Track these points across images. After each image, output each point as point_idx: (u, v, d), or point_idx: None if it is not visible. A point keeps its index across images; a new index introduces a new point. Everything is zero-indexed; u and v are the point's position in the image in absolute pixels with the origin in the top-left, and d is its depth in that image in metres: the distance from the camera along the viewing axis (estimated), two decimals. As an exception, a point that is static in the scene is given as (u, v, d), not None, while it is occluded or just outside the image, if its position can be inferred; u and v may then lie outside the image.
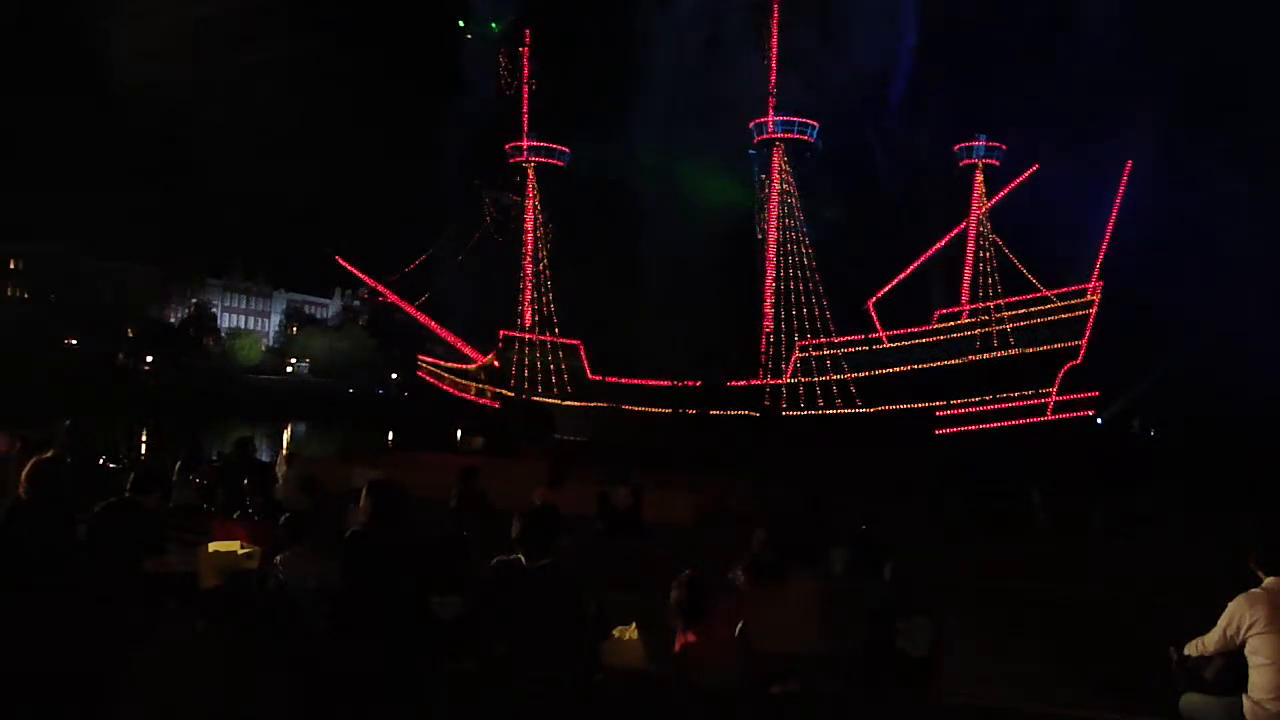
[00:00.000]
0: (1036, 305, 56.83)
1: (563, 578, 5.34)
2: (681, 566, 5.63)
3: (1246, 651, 5.17)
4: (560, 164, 68.52)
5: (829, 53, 59.21)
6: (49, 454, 6.63)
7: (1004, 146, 63.08)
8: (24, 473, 5.67)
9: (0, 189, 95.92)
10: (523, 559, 5.32)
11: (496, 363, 68.33)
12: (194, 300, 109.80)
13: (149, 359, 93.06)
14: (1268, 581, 5.24)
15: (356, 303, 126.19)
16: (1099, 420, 55.29)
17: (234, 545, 6.68)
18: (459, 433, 63.41)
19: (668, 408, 59.08)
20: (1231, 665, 5.28)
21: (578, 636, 5.34)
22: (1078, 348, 54.07)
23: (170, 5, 77.31)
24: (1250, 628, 5.13)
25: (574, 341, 65.59)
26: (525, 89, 67.56)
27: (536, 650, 5.14)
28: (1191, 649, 5.46)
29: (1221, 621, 5.28)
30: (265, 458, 20.02)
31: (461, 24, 67.29)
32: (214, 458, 14.91)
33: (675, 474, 21.41)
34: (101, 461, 14.06)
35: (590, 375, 63.68)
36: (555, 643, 5.19)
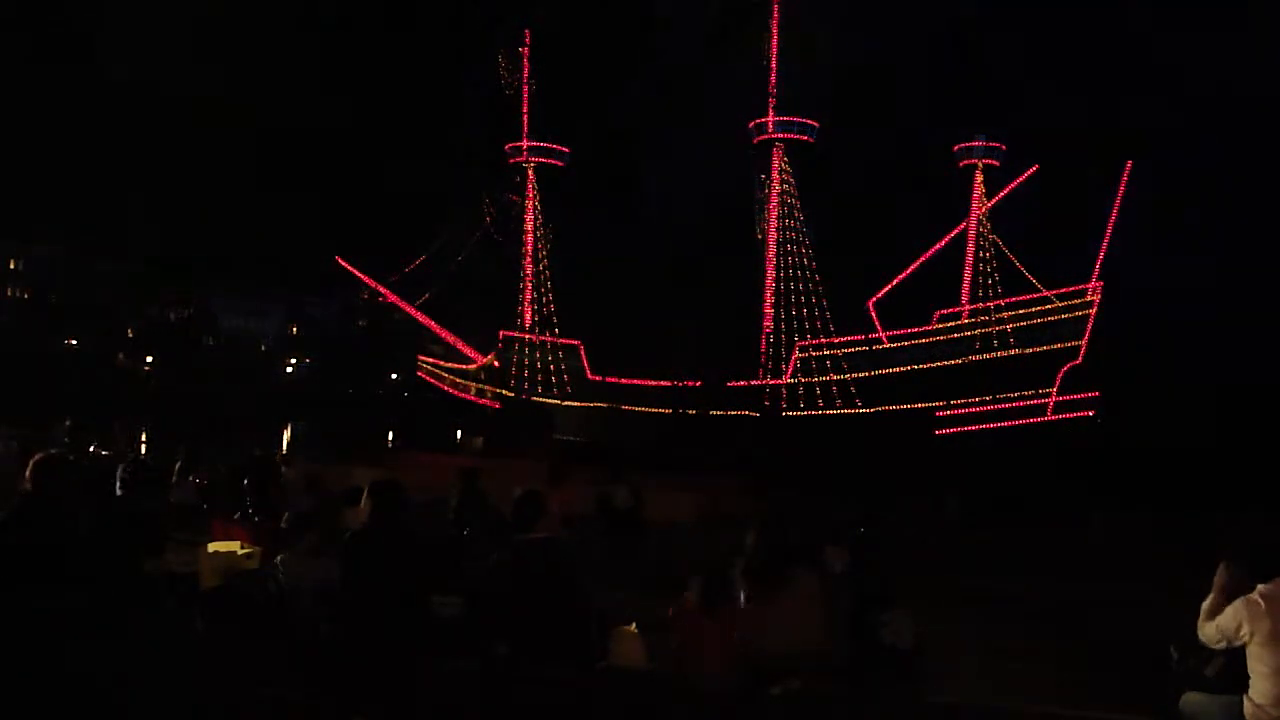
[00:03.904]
0: (1036, 305, 56.77)
1: (560, 551, 5.49)
2: (681, 567, 5.64)
3: (1248, 656, 5.17)
4: (560, 164, 68.47)
5: (830, 51, 59.21)
6: (53, 453, 6.63)
7: (1004, 147, 63.05)
8: (29, 470, 5.66)
9: (0, 189, 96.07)
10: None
11: (496, 363, 68.27)
12: (194, 300, 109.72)
13: (149, 359, 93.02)
14: (1262, 588, 5.23)
15: (357, 303, 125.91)
16: (1099, 421, 55.21)
17: (234, 545, 6.69)
18: (459, 433, 63.40)
19: (668, 408, 59.04)
20: (1232, 664, 5.28)
21: (578, 614, 5.40)
22: (1078, 348, 54.02)
23: (171, 4, 77.39)
24: (1253, 635, 5.13)
25: (574, 341, 65.54)
26: (525, 89, 67.52)
27: (539, 623, 5.20)
28: (1204, 623, 5.38)
29: (1221, 621, 5.27)
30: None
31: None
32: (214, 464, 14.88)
33: (675, 474, 21.36)
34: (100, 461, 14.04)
35: (590, 375, 63.61)
36: (556, 618, 5.26)
